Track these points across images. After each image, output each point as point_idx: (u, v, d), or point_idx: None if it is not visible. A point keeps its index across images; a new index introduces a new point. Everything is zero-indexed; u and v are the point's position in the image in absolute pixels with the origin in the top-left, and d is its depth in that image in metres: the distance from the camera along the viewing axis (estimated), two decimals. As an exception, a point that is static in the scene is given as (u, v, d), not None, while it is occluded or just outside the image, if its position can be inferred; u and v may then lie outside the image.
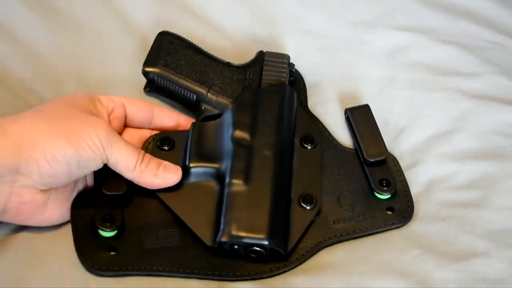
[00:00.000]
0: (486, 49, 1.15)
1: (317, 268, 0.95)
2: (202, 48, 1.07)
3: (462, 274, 0.94)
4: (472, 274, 0.94)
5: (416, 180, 1.02)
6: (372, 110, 1.05)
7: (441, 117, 1.07)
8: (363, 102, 1.07)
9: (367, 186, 1.00)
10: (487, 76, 1.12)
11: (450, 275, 0.94)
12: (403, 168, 1.02)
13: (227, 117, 1.01)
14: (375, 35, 1.15)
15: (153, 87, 1.06)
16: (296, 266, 0.95)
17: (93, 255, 0.93)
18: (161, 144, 1.01)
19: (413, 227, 0.99)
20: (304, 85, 1.09)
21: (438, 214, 1.00)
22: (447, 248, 0.97)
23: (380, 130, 1.03)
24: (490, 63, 1.13)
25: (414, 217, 0.99)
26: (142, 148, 1.01)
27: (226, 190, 0.95)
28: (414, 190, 1.01)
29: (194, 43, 1.08)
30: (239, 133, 0.99)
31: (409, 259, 0.96)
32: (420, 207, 1.00)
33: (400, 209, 0.99)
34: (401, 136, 1.06)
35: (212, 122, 1.02)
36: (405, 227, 0.99)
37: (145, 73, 1.06)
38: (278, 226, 0.94)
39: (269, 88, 1.04)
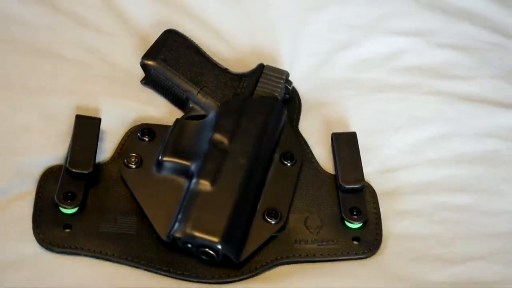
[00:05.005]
0: (484, 51, 1.15)
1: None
2: (204, 50, 1.08)
3: (457, 278, 0.94)
4: (468, 277, 0.94)
5: (411, 182, 1.02)
6: (367, 110, 1.06)
7: (436, 120, 1.07)
8: (357, 104, 1.08)
9: (339, 212, 0.98)
10: (483, 79, 1.12)
11: (445, 278, 0.93)
12: (398, 168, 1.02)
13: (210, 119, 1.01)
14: (372, 39, 1.15)
15: (149, 80, 1.07)
16: (247, 278, 0.93)
17: (47, 229, 0.94)
18: (142, 135, 1.01)
19: (408, 229, 0.98)
20: (300, 104, 1.09)
21: (433, 218, 0.99)
22: (442, 251, 0.96)
23: (375, 129, 1.05)
24: (487, 65, 1.13)
25: (408, 220, 0.98)
26: (123, 137, 1.02)
27: (191, 188, 0.95)
28: (408, 192, 1.01)
29: (197, 44, 1.08)
30: (218, 136, 0.98)
31: (404, 262, 0.95)
32: (415, 209, 0.99)
33: (366, 241, 0.96)
34: (397, 135, 1.06)
35: (195, 121, 1.02)
36: (400, 229, 0.98)
37: (143, 65, 1.07)
38: (235, 233, 0.93)
39: (259, 99, 1.03)
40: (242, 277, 0.93)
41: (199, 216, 0.92)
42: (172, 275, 0.92)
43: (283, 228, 0.96)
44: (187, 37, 1.08)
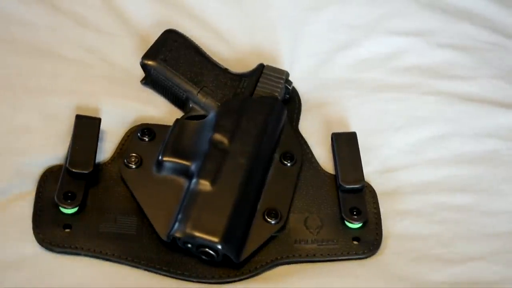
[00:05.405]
0: (484, 51, 1.15)
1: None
2: (204, 50, 1.08)
3: (457, 278, 0.94)
4: (468, 277, 0.94)
5: (411, 182, 1.02)
6: (367, 110, 1.07)
7: (436, 120, 1.07)
8: (357, 104, 1.08)
9: (339, 212, 0.98)
10: (483, 79, 1.12)
11: (445, 278, 0.94)
12: (398, 168, 1.03)
13: (210, 119, 1.01)
14: (372, 39, 1.15)
15: (149, 80, 1.07)
16: (247, 278, 0.93)
17: (47, 229, 0.94)
18: (142, 135, 1.01)
19: (408, 229, 0.98)
20: (300, 104, 1.09)
21: (433, 218, 0.99)
22: (442, 251, 0.96)
23: (375, 129, 1.05)
24: (487, 65, 1.13)
25: (408, 220, 0.99)
26: (123, 137, 1.02)
27: (191, 188, 0.95)
28: (408, 192, 1.01)
29: (197, 45, 1.08)
30: (218, 136, 0.98)
31: (404, 262, 0.95)
32: (415, 209, 0.99)
33: (366, 241, 0.96)
34: (397, 135, 1.06)
35: (195, 121, 1.02)
36: (400, 229, 0.98)
37: (143, 65, 1.07)
38: (235, 233, 0.93)
39: (259, 99, 1.03)
40: (242, 277, 0.93)
41: (199, 216, 0.92)
42: (172, 275, 0.92)
43: (283, 228, 0.96)
44: (187, 37, 1.08)
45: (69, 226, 0.94)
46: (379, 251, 0.96)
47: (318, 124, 1.07)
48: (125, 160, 0.99)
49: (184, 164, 0.97)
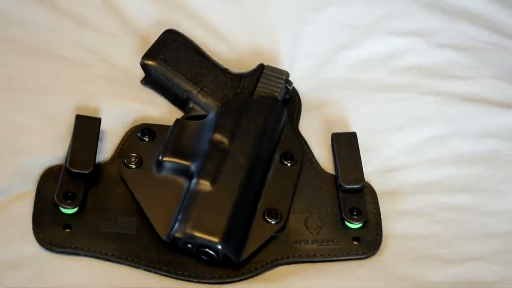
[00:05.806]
0: (484, 51, 1.15)
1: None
2: (204, 50, 1.08)
3: (457, 278, 0.94)
4: (468, 277, 0.94)
5: (411, 182, 1.02)
6: (367, 110, 1.07)
7: (436, 120, 1.08)
8: (357, 104, 1.08)
9: (339, 212, 0.98)
10: (483, 79, 1.12)
11: (445, 278, 0.94)
12: (398, 168, 1.03)
13: (210, 119, 1.01)
14: (372, 40, 1.15)
15: (149, 80, 1.07)
16: (247, 278, 0.93)
17: (47, 229, 0.94)
18: (142, 135, 1.01)
19: (408, 229, 0.98)
20: (300, 104, 1.09)
21: (433, 218, 0.99)
22: (442, 251, 0.96)
23: (375, 129, 1.05)
24: (487, 65, 1.14)
25: (408, 220, 0.99)
26: (123, 137, 1.02)
27: (191, 188, 0.95)
28: (408, 192, 1.01)
29: (198, 44, 1.08)
30: (218, 136, 0.98)
31: (404, 262, 0.95)
32: (415, 209, 1.00)
33: (366, 241, 0.97)
34: (397, 135, 1.06)
35: (195, 121, 1.02)
36: (400, 229, 0.98)
37: (143, 65, 1.07)
38: (235, 233, 0.93)
39: (259, 100, 1.03)
40: (242, 277, 0.93)
41: (199, 216, 0.92)
42: (172, 275, 0.92)
43: (283, 228, 0.96)
44: (187, 37, 1.09)
45: (69, 226, 0.94)
46: (379, 251, 0.96)
47: (318, 124, 1.07)
48: (125, 160, 0.99)
49: (184, 164, 0.97)
